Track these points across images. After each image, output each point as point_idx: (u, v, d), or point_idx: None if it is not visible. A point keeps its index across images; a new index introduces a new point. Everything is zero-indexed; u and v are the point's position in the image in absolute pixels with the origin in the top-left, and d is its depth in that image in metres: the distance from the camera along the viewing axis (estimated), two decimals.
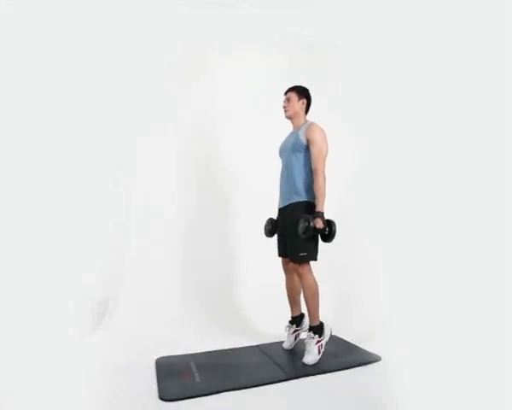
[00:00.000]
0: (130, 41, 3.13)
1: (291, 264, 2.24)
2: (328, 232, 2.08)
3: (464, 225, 2.75)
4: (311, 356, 2.07)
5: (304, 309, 2.32)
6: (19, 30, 2.41)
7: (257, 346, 2.40)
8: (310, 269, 2.15)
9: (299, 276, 2.17)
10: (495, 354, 2.06)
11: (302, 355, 2.11)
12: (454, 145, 2.85)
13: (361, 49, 3.24)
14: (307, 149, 2.17)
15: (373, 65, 3.20)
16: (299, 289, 2.31)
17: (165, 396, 1.71)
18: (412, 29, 2.96)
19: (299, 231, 2.04)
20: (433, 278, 2.75)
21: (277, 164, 2.40)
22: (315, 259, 2.15)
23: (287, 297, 2.40)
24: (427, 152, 2.97)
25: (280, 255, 2.38)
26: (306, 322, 2.35)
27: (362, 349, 2.28)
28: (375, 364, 2.08)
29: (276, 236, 2.40)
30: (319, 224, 2.03)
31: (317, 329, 2.13)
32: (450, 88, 2.86)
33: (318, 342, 2.10)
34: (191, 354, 2.24)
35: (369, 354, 2.19)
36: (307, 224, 2.00)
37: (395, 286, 2.85)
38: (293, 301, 2.40)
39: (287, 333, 2.39)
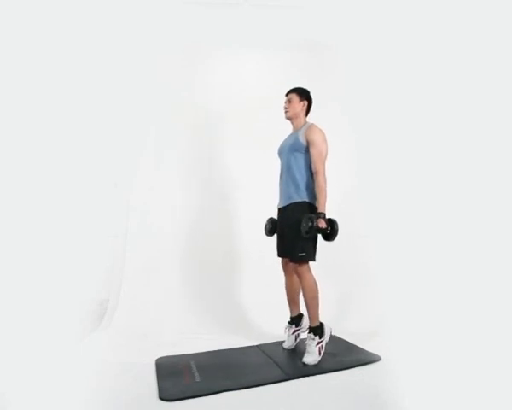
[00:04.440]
0: (130, 42, 3.13)
1: (290, 264, 2.24)
2: (331, 231, 2.09)
3: (463, 227, 2.76)
4: (312, 357, 2.07)
5: (303, 309, 2.32)
6: (19, 32, 2.41)
7: (257, 346, 2.40)
8: (309, 269, 2.15)
9: (299, 276, 2.17)
10: (493, 353, 2.06)
11: (302, 355, 2.11)
12: (451, 145, 2.86)
13: (361, 49, 3.24)
14: (307, 150, 2.17)
15: (373, 65, 3.21)
16: (299, 290, 2.31)
17: (165, 396, 1.71)
18: (413, 29, 2.96)
19: (302, 230, 2.04)
20: (433, 278, 2.75)
21: (277, 164, 2.40)
22: (313, 259, 2.16)
23: (286, 297, 2.40)
24: (425, 153, 2.98)
25: (279, 256, 2.38)
26: (306, 322, 2.35)
27: (362, 349, 2.27)
28: (375, 364, 2.08)
29: (275, 236, 2.40)
30: (322, 224, 2.05)
31: (317, 330, 2.13)
32: (450, 87, 2.87)
33: (319, 343, 2.10)
34: (191, 354, 2.24)
35: (369, 354, 2.19)
36: (311, 223, 2.02)
37: (395, 286, 2.86)
38: (293, 301, 2.40)
39: (287, 333, 2.39)
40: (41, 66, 2.58)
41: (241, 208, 3.20)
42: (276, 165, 2.42)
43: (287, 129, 2.37)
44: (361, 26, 3.12)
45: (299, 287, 2.30)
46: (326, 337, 2.14)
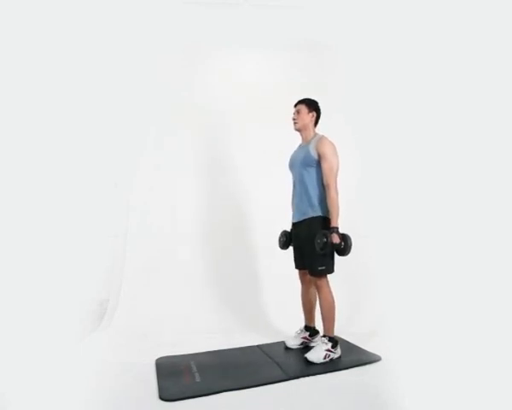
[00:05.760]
0: (130, 42, 3.13)
1: (308, 276, 2.26)
2: (344, 246, 2.10)
3: (462, 227, 2.76)
4: (316, 355, 2.08)
5: (317, 322, 2.34)
6: (19, 33, 2.42)
7: (257, 346, 2.40)
8: (327, 282, 2.18)
9: (318, 288, 2.19)
10: (492, 352, 2.06)
11: (303, 356, 2.12)
12: (451, 143, 2.86)
13: (361, 49, 3.24)
14: (318, 163, 2.17)
15: (373, 65, 3.20)
16: (315, 302, 2.34)
17: (165, 396, 1.71)
18: (413, 29, 2.96)
19: (316, 247, 2.06)
20: (433, 279, 2.75)
21: (276, 162, 2.40)
22: (332, 271, 2.18)
23: (302, 307, 2.42)
24: (425, 152, 2.98)
25: (297, 268, 2.40)
26: (318, 339, 2.34)
27: (362, 349, 2.27)
28: (375, 364, 2.08)
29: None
30: (336, 239, 2.07)
31: (332, 339, 2.14)
32: (448, 83, 2.87)
33: (329, 351, 2.10)
34: (191, 354, 2.24)
35: (369, 354, 2.19)
36: (325, 240, 2.03)
37: (395, 286, 2.86)
38: (309, 313, 2.42)
39: (295, 334, 2.41)
40: (42, 66, 2.58)
41: (241, 207, 3.20)
42: (275, 163, 2.43)
43: (287, 130, 2.37)
44: (361, 26, 3.12)
45: (315, 299, 2.32)
46: (336, 354, 2.14)
